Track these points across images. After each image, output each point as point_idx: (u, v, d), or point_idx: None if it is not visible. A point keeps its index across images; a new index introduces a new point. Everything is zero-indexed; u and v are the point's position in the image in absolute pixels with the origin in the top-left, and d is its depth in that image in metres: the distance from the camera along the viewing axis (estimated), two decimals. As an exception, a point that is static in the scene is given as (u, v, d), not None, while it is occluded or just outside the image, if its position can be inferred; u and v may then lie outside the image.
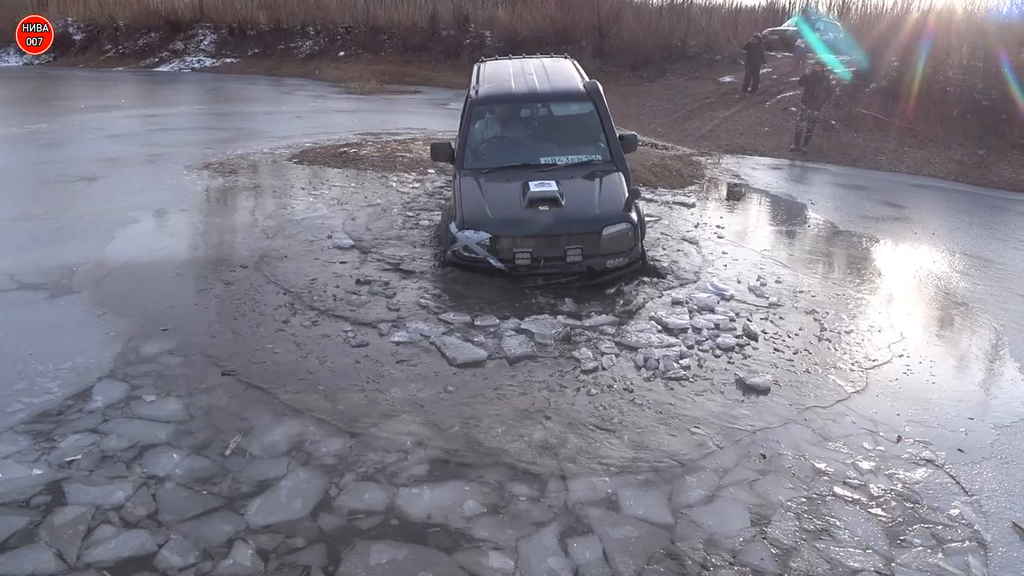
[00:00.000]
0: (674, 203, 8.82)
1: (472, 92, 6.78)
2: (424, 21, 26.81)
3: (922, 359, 4.77)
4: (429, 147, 6.82)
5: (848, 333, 5.11)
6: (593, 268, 5.58)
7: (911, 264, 7.15)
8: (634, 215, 5.76)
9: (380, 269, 5.95)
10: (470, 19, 25.64)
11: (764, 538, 2.94)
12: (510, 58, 8.36)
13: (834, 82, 14.43)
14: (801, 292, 5.87)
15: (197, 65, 29.57)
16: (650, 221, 7.64)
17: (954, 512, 3.19)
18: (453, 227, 5.71)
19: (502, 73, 7.38)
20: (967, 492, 3.35)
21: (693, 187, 9.98)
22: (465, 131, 6.51)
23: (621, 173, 6.20)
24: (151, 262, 6.00)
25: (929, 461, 3.59)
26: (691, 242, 7.07)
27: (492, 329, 4.82)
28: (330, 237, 6.76)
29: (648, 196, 9.04)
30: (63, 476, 3.20)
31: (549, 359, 4.45)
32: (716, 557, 2.82)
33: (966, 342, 5.20)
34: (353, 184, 9.06)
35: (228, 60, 29.59)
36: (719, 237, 7.41)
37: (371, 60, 27.26)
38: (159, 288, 5.41)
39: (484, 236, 5.51)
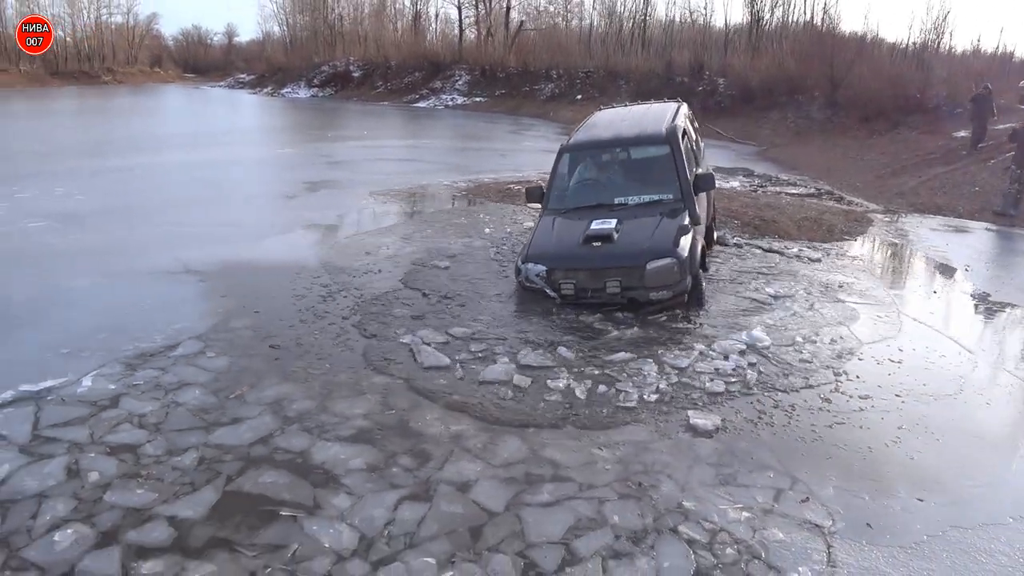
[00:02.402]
0: (800, 256, 8.74)
1: (567, 139, 7.78)
2: (661, 68, 27.96)
3: (900, 417, 4.58)
4: (524, 190, 7.94)
5: (862, 398, 4.99)
6: (636, 300, 6.26)
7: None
8: (684, 251, 6.25)
9: (456, 289, 7.05)
10: (704, 67, 26.26)
11: (565, 546, 3.39)
12: (625, 105, 9.17)
13: None
14: (851, 355, 5.73)
15: (450, 103, 33.92)
16: (761, 273, 7.84)
17: (790, 577, 3.22)
18: (519, 260, 6.75)
19: (603, 120, 8.31)
20: (832, 563, 3.33)
21: (837, 243, 9.64)
22: (552, 175, 7.58)
23: (687, 212, 6.78)
24: (283, 262, 7.80)
25: (817, 527, 3.59)
26: (779, 294, 7.14)
27: (498, 349, 5.65)
28: (436, 258, 8.08)
29: (776, 248, 9.03)
30: (124, 392, 4.79)
31: (521, 377, 5.12)
32: (507, 545, 3.37)
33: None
34: (492, 217, 10.37)
35: (478, 99, 33.52)
36: (818, 293, 7.32)
37: (606, 104, 29.00)
38: (275, 282, 7.12)
39: (541, 269, 6.44)
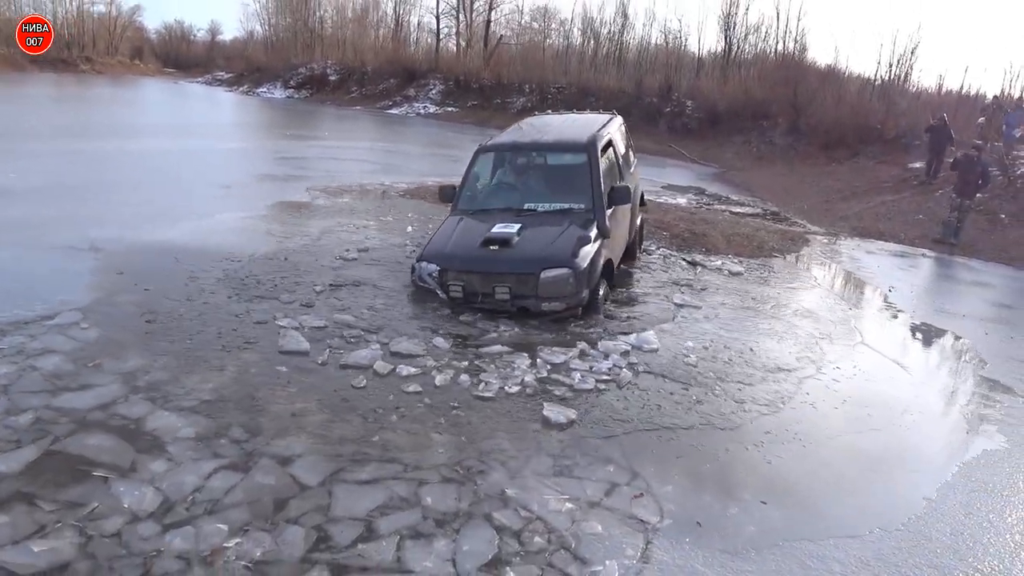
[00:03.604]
0: (721, 269, 8.86)
1: (486, 140, 7.84)
2: (631, 87, 28.39)
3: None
4: (438, 188, 7.93)
5: (737, 403, 5.06)
6: (527, 308, 6.14)
7: (912, 361, 6.63)
8: (582, 262, 6.11)
9: (356, 281, 7.07)
10: (673, 88, 26.70)
11: (366, 523, 3.41)
12: (559, 113, 9.28)
13: (994, 170, 13.21)
14: (741, 362, 5.81)
15: (422, 111, 34.13)
16: (676, 283, 7.97)
17: (595, 569, 3.25)
18: (416, 259, 6.74)
19: (535, 125, 8.40)
20: (644, 559, 3.33)
21: (765, 259, 9.78)
22: (465, 175, 7.55)
23: (596, 223, 6.68)
24: (191, 245, 7.80)
25: (642, 523, 3.60)
26: (686, 303, 7.24)
27: (372, 337, 5.67)
28: (347, 251, 8.10)
29: (699, 260, 9.16)
30: (-17, 357, 4.78)
31: (383, 363, 5.13)
32: (307, 519, 3.40)
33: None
34: (420, 217, 10.44)
35: (449, 108, 33.76)
36: (728, 304, 7.44)
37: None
38: (175, 263, 7.11)
39: (434, 268, 6.36)
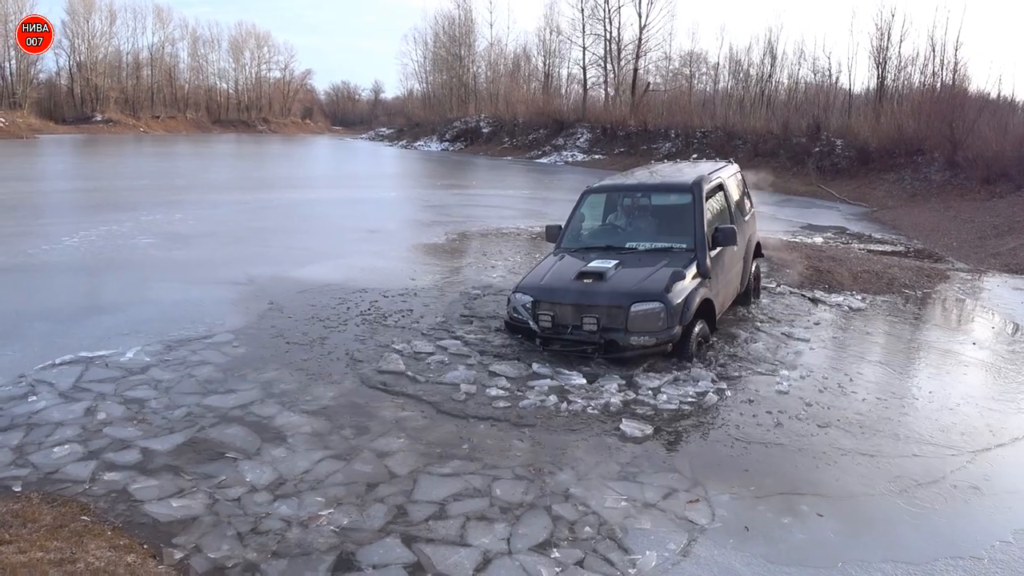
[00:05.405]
0: (841, 305, 8.66)
1: (592, 182, 8.30)
2: (778, 128, 27.88)
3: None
4: (545, 228, 8.22)
5: (821, 427, 5.11)
6: (616, 342, 6.08)
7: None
8: (676, 298, 6.06)
9: (472, 314, 7.78)
10: (822, 128, 25.95)
11: (440, 506, 3.99)
12: (675, 162, 9.56)
13: None
14: (839, 391, 5.81)
15: (570, 159, 35.24)
16: (788, 319, 7.97)
17: (635, 557, 3.57)
18: (511, 291, 6.85)
19: (648, 170, 8.75)
20: (684, 553, 3.57)
21: (892, 296, 9.38)
22: (571, 215, 7.80)
23: (696, 263, 6.59)
24: (333, 280, 8.89)
25: (691, 523, 3.83)
26: (794, 335, 7.29)
27: (472, 359, 6.28)
28: (472, 288, 8.85)
29: (820, 297, 9.06)
30: (155, 364, 5.90)
31: (477, 384, 5.67)
32: (391, 499, 4.02)
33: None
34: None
35: (596, 156, 34.64)
36: (839, 338, 7.39)
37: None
38: (317, 295, 8.17)
39: (528, 299, 6.41)
